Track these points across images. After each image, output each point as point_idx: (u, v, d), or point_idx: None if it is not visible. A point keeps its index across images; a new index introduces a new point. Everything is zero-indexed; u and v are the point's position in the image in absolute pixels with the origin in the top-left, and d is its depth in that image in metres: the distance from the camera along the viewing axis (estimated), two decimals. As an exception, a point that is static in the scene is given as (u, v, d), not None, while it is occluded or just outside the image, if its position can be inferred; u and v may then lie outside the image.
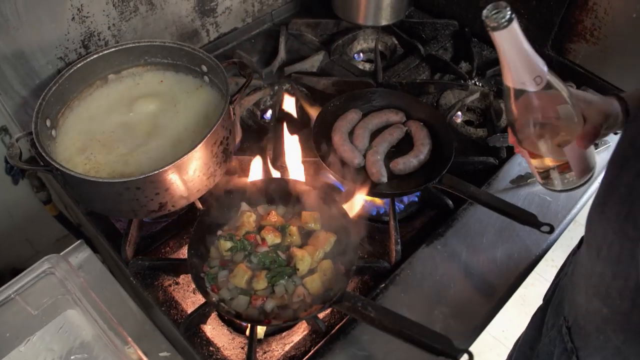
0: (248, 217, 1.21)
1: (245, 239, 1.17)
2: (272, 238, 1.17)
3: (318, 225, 1.21)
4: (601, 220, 0.81)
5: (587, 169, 1.00)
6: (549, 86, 0.88)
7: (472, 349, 0.91)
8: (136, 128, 1.25)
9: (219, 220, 1.21)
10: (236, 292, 1.10)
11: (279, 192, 1.26)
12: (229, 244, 1.15)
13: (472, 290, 1.18)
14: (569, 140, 0.93)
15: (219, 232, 1.20)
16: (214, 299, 1.08)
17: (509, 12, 0.80)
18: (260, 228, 1.20)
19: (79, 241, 1.28)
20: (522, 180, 1.38)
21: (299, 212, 1.23)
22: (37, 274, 1.07)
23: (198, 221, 1.17)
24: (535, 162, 1.01)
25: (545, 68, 0.87)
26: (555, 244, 1.31)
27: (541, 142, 0.95)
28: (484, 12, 0.82)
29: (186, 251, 1.24)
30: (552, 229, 1.13)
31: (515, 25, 0.81)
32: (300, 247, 1.17)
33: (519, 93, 0.90)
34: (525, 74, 0.86)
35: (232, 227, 1.22)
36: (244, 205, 1.24)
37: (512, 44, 0.83)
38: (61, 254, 1.15)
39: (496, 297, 1.18)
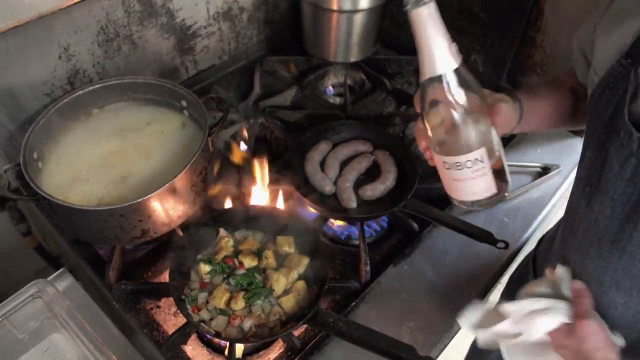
0: (226, 242, 1.28)
1: (224, 263, 1.23)
2: (249, 261, 1.24)
3: (292, 248, 1.29)
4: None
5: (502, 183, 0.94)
6: (461, 76, 0.84)
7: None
8: (120, 159, 1.31)
9: (198, 245, 1.28)
10: (215, 313, 1.16)
11: (255, 218, 1.33)
12: (208, 267, 1.22)
13: (437, 305, 1.26)
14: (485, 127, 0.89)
15: (199, 257, 1.27)
16: (194, 319, 1.14)
17: None
18: (237, 252, 1.27)
19: (62, 269, 1.33)
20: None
21: (274, 236, 1.31)
22: (24, 298, 1.11)
23: (178, 246, 1.23)
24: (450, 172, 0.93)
25: (457, 48, 0.83)
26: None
27: (457, 138, 0.87)
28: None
29: (167, 276, 1.31)
30: (507, 245, 1.23)
31: (434, 4, 0.78)
32: (276, 269, 1.24)
33: (437, 83, 0.84)
34: (445, 57, 0.81)
35: (211, 252, 1.28)
36: (222, 231, 1.31)
37: (432, 24, 0.79)
38: (47, 279, 1.19)
39: (459, 310, 1.26)
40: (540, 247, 1.30)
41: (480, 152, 0.87)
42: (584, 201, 0.89)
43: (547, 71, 1.71)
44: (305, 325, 1.21)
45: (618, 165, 0.78)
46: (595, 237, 0.87)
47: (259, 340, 1.13)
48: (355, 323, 1.08)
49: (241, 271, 1.22)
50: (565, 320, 0.87)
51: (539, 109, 1.09)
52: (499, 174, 0.92)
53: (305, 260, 1.25)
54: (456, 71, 0.83)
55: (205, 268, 1.22)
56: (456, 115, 0.85)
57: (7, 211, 1.74)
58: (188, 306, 1.16)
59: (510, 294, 1.34)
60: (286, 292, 1.20)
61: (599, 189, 0.83)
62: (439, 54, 0.81)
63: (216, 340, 1.20)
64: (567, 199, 1.02)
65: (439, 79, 0.83)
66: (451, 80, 0.83)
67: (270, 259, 1.25)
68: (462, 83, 0.84)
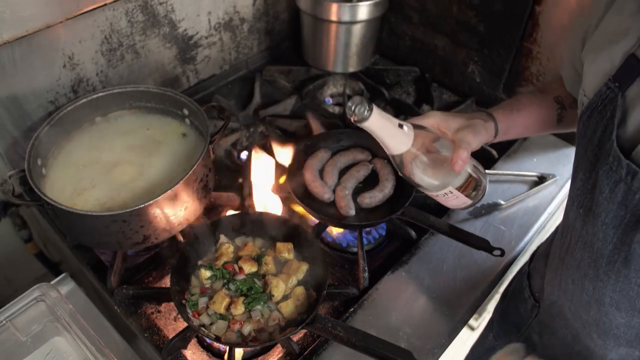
0: (226, 248, 1.30)
1: (224, 268, 1.24)
2: (249, 267, 1.25)
3: (291, 255, 1.30)
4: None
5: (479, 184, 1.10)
6: (416, 135, 1.00)
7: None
8: (122, 166, 1.34)
9: (199, 251, 1.30)
10: (216, 318, 1.17)
11: (255, 225, 1.35)
12: (208, 273, 1.23)
13: (433, 312, 1.28)
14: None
15: (199, 262, 1.28)
16: (195, 324, 1.16)
17: (367, 105, 0.90)
18: (237, 258, 1.28)
19: (64, 274, 1.34)
20: (479, 211, 1.51)
21: (274, 243, 1.32)
22: (27, 301, 1.12)
23: (180, 252, 1.25)
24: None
25: (408, 128, 0.98)
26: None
27: (434, 177, 1.06)
28: (347, 110, 0.92)
29: (168, 281, 1.32)
30: (503, 253, 1.25)
31: (376, 113, 0.91)
32: (275, 275, 1.26)
33: (399, 156, 1.02)
34: (398, 143, 0.98)
35: (212, 258, 1.30)
36: (223, 238, 1.33)
37: (380, 126, 0.94)
38: (51, 282, 1.21)
39: (456, 318, 1.28)
40: (533, 263, 1.30)
41: (447, 189, 1.06)
42: (579, 222, 0.89)
43: (543, 81, 1.74)
44: (304, 330, 1.23)
45: (608, 189, 0.78)
46: (591, 258, 0.87)
47: (258, 344, 1.15)
48: (353, 328, 1.09)
49: (241, 277, 1.24)
50: None
51: (519, 122, 1.13)
52: (474, 186, 1.09)
53: (305, 267, 1.27)
54: (412, 146, 0.99)
55: (205, 273, 1.23)
56: (419, 174, 1.05)
57: (9, 217, 1.76)
58: (189, 311, 1.18)
59: (504, 312, 1.35)
60: (285, 297, 1.22)
61: (591, 211, 0.83)
62: (393, 142, 0.98)
63: (216, 344, 1.22)
64: (563, 208, 1.03)
65: (399, 155, 1.01)
66: (406, 155, 1.01)
67: (270, 265, 1.27)
68: (420, 148, 1.01)
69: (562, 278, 1.00)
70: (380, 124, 0.94)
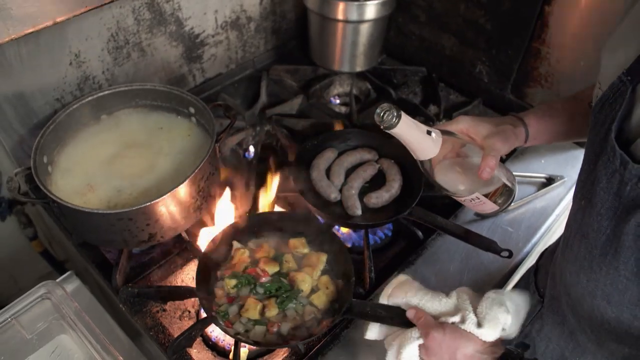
0: (242, 254, 1.26)
1: (248, 274, 1.21)
2: (271, 268, 1.23)
3: (307, 249, 1.29)
4: None
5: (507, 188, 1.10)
6: (444, 141, 1.01)
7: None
8: (128, 164, 1.34)
9: (214, 262, 1.26)
10: (250, 324, 1.14)
11: (265, 225, 1.33)
12: (234, 281, 1.19)
13: (440, 313, 1.27)
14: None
15: (219, 273, 1.25)
16: (231, 333, 1.12)
17: (395, 112, 0.91)
18: (255, 261, 1.25)
19: (69, 272, 1.34)
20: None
21: (287, 240, 1.31)
22: (33, 299, 1.12)
23: (199, 267, 1.20)
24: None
25: (436, 134, 0.99)
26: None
27: (461, 183, 1.08)
28: (375, 116, 0.93)
29: (173, 279, 1.32)
30: (510, 254, 1.24)
31: (404, 119, 0.92)
32: (298, 271, 1.23)
33: (427, 161, 1.03)
34: (426, 149, 0.99)
35: (229, 266, 1.26)
36: (236, 244, 1.29)
37: (408, 133, 0.95)
38: (57, 280, 1.21)
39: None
40: (542, 260, 1.30)
41: (474, 195, 1.07)
42: (579, 214, 0.89)
43: (552, 82, 1.73)
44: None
45: (605, 179, 0.79)
46: (587, 249, 0.87)
47: (300, 341, 1.12)
48: (391, 307, 1.07)
49: (266, 278, 1.21)
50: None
51: (551, 127, 1.12)
52: (501, 192, 1.08)
53: (324, 257, 1.26)
54: (440, 153, 1.01)
55: (231, 282, 1.19)
56: (446, 180, 1.05)
57: (15, 215, 1.76)
58: (221, 322, 1.14)
59: None
60: (313, 290, 1.20)
61: (590, 202, 0.84)
62: (420, 148, 1.00)
63: (221, 343, 1.21)
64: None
65: (427, 161, 1.03)
66: (434, 161, 1.03)
67: (291, 262, 1.25)
68: (448, 154, 1.04)
69: (562, 271, 1.00)
70: (408, 131, 0.95)
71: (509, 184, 1.08)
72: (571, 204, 0.99)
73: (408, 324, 1.02)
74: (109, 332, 1.24)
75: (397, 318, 1.05)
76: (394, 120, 0.91)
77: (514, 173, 1.58)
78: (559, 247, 1.07)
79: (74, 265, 1.81)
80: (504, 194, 1.09)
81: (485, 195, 1.07)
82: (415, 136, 0.97)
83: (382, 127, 0.93)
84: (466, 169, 1.07)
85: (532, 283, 1.28)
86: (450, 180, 1.06)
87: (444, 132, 1.02)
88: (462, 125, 1.08)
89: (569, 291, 0.99)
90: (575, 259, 0.92)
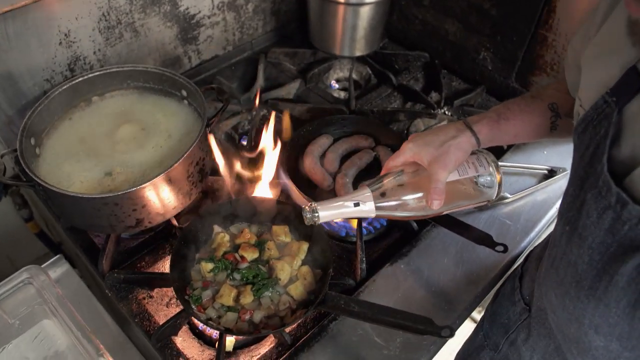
0: (222, 238, 1.25)
1: (225, 259, 1.20)
2: (250, 254, 1.21)
3: (289, 237, 1.27)
4: None
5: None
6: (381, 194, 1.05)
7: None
8: (117, 148, 1.31)
9: (193, 245, 1.24)
10: (223, 310, 1.13)
11: (248, 210, 1.31)
12: (210, 265, 1.18)
13: (431, 306, 1.24)
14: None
15: (197, 256, 1.24)
16: (202, 318, 1.11)
17: (311, 213, 1.02)
18: (236, 246, 1.24)
19: (57, 255, 1.33)
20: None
21: (270, 226, 1.29)
22: (15, 283, 1.11)
23: (175, 249, 1.19)
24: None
25: (363, 201, 1.04)
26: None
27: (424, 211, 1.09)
28: (304, 219, 1.04)
29: (161, 266, 1.30)
30: (505, 249, 1.20)
31: (322, 214, 1.02)
32: (279, 259, 1.22)
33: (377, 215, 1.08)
34: (362, 214, 1.05)
35: (209, 250, 1.25)
36: (217, 227, 1.28)
37: (336, 216, 1.04)
38: (42, 266, 1.19)
39: (455, 314, 1.24)
40: (527, 264, 1.25)
41: (447, 208, 1.09)
42: (564, 239, 0.83)
43: (558, 71, 1.68)
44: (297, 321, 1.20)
45: (596, 214, 0.72)
46: (574, 278, 0.81)
47: (272, 330, 1.11)
48: (366, 302, 1.06)
49: (244, 265, 1.19)
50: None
51: (507, 130, 1.09)
52: (480, 194, 1.10)
53: (305, 246, 1.23)
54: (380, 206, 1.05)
55: (207, 266, 1.18)
56: (409, 214, 1.09)
57: (10, 197, 1.75)
58: (193, 306, 1.13)
59: (494, 312, 1.30)
60: (291, 280, 1.19)
61: (577, 232, 0.77)
62: (357, 216, 1.10)
63: (208, 332, 1.19)
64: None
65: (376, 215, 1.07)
66: (382, 213, 1.07)
67: (273, 250, 1.23)
68: (397, 198, 1.06)
69: (547, 289, 0.95)
70: (334, 216, 1.04)
71: (482, 183, 1.08)
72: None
73: (386, 324, 1.02)
74: (96, 318, 1.23)
75: (370, 313, 1.04)
76: (314, 219, 1.02)
77: (514, 164, 1.56)
78: (544, 261, 1.00)
79: (67, 248, 1.80)
80: (484, 194, 1.10)
81: (463, 204, 1.10)
82: (346, 214, 1.05)
83: (310, 224, 1.03)
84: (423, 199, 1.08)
85: (517, 289, 1.22)
86: (413, 213, 1.08)
87: (390, 174, 1.07)
88: (408, 154, 1.07)
89: (554, 310, 0.93)
90: (561, 283, 0.86)
